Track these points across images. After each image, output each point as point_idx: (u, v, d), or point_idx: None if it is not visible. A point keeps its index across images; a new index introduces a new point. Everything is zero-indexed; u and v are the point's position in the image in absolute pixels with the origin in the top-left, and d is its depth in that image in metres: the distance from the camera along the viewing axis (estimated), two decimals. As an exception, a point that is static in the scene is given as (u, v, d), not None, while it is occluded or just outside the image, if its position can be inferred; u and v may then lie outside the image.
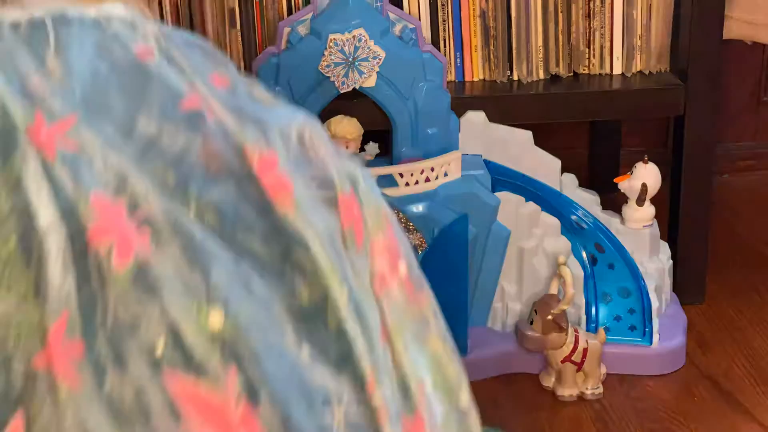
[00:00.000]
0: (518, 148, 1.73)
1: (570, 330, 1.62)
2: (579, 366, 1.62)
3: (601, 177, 2.22)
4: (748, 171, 2.35)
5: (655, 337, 1.69)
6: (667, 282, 1.79)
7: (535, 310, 1.62)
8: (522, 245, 1.71)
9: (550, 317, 1.61)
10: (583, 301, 1.71)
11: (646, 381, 1.67)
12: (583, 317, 1.70)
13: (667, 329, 1.73)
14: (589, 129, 2.28)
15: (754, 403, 1.61)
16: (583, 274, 1.72)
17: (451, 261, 1.63)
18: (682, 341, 1.72)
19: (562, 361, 1.61)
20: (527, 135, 1.73)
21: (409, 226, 1.61)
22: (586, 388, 1.63)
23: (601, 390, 1.63)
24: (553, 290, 1.64)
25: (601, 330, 1.65)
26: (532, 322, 1.62)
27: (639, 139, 2.30)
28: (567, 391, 1.63)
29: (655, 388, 1.65)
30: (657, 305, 1.70)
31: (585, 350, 1.62)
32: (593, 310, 1.71)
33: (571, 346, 1.61)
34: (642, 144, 2.28)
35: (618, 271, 1.73)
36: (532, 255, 1.72)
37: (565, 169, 1.74)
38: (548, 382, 1.65)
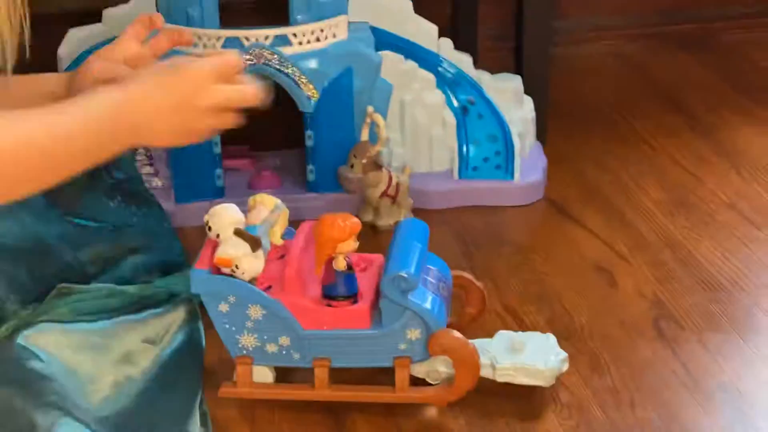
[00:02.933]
0: (400, 16, 1.99)
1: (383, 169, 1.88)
2: (393, 199, 1.89)
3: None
4: (590, 43, 2.65)
5: (517, 174, 1.98)
6: (531, 129, 2.07)
7: (354, 155, 1.86)
8: (403, 98, 1.98)
9: (366, 160, 1.86)
10: (456, 144, 1.99)
11: (508, 210, 1.97)
12: (456, 158, 1.99)
13: (528, 168, 2.01)
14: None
15: (583, 216, 1.93)
16: (456, 122, 2.00)
17: (339, 109, 1.89)
18: (540, 178, 2.01)
19: (381, 196, 1.88)
20: (407, 4, 1.99)
21: (303, 79, 1.87)
22: (401, 217, 1.89)
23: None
24: (364, 137, 1.87)
25: (407, 166, 1.92)
26: (352, 166, 1.86)
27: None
28: (385, 221, 1.89)
29: (512, 215, 1.95)
30: (519, 147, 1.99)
31: (397, 185, 1.89)
32: (465, 151, 1.99)
33: (386, 182, 1.88)
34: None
35: (486, 120, 2.00)
36: (413, 107, 1.98)
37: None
38: (367, 217, 1.90)
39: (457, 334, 1.43)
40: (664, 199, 1.97)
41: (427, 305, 1.42)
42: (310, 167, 1.93)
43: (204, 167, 1.90)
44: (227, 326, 1.44)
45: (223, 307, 1.43)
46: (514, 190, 1.98)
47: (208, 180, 1.91)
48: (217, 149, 1.89)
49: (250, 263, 1.41)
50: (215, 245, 1.43)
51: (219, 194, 1.92)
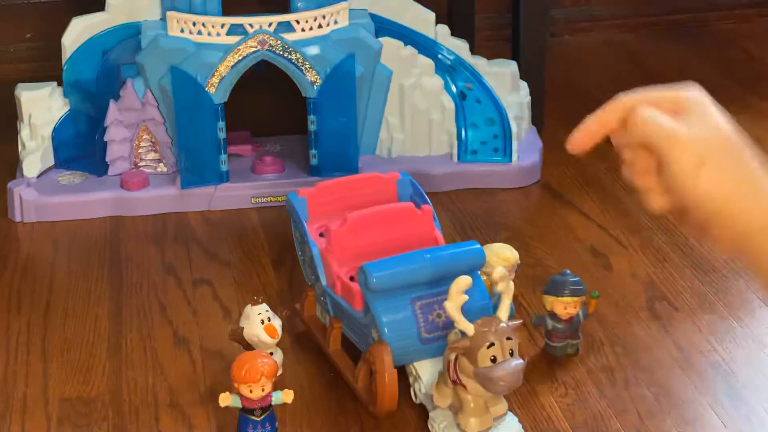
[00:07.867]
0: (398, 3, 2.02)
1: None
2: None
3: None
4: (585, 31, 2.69)
5: (514, 156, 2.02)
6: (526, 114, 2.11)
7: None
8: (402, 83, 2.02)
9: None
10: (455, 128, 2.03)
11: (506, 193, 2.01)
12: (455, 142, 2.02)
13: (525, 151, 2.05)
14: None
15: (578, 200, 1.99)
16: (454, 106, 2.04)
17: (342, 94, 1.93)
18: (536, 160, 2.05)
19: None
20: (406, -8, 2.03)
21: (306, 65, 1.91)
22: None
23: None
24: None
25: None
26: None
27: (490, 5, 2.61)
28: None
29: (510, 199, 1.99)
30: (516, 130, 2.03)
31: None
32: (463, 135, 2.03)
33: None
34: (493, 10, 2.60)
35: (484, 104, 2.04)
36: (412, 91, 2.02)
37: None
38: None
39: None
40: (659, 184, 2.01)
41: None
42: (312, 152, 1.97)
43: (209, 153, 1.93)
44: None
45: None
46: (511, 173, 2.02)
47: (213, 165, 1.94)
48: (222, 134, 1.93)
49: None
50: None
51: (224, 179, 1.95)
